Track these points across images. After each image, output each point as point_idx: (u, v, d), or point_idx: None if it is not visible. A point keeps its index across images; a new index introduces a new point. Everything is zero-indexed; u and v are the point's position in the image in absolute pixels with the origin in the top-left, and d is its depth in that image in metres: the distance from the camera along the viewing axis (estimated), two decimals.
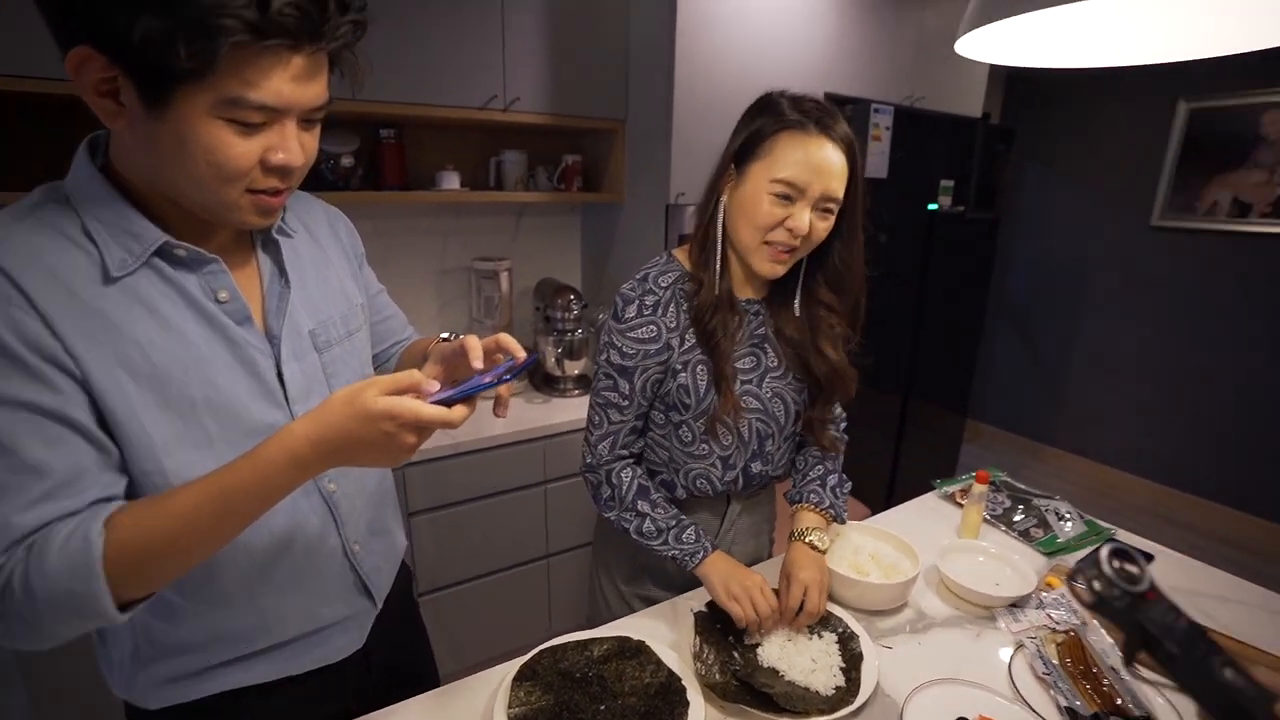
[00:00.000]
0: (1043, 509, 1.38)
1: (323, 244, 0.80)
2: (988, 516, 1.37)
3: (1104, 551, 0.48)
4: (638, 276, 1.05)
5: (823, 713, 0.83)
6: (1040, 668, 0.93)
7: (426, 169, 2.02)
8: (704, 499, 1.11)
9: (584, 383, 2.14)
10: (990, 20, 0.73)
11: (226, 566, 0.68)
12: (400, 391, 0.56)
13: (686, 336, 1.02)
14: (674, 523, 1.02)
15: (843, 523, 1.13)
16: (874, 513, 1.46)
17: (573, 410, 1.96)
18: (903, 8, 2.36)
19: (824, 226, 0.96)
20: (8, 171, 1.46)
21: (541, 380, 2.16)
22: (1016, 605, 1.08)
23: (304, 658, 0.77)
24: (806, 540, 1.03)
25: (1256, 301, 3.00)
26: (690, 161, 1.99)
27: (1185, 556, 1.26)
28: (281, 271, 0.72)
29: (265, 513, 0.58)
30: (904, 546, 1.13)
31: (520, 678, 0.86)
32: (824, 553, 1.03)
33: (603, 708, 0.82)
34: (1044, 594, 1.10)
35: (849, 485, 1.16)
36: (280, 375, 0.69)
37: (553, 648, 0.92)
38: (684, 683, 0.87)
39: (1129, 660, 0.45)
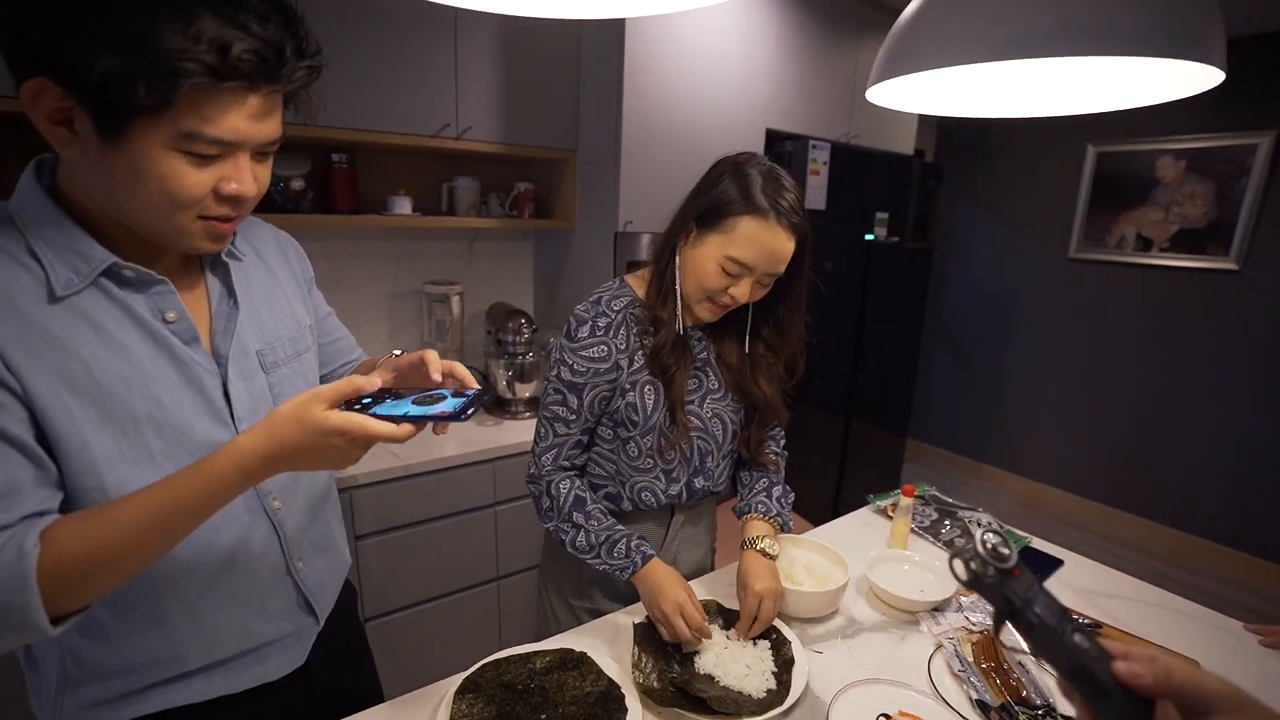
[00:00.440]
0: (967, 520, 1.47)
1: (272, 267, 0.82)
2: (916, 528, 1.45)
3: (978, 535, 0.54)
4: (591, 299, 1.10)
5: (754, 714, 0.88)
6: (956, 665, 1.00)
7: (379, 193, 2.04)
8: (649, 511, 1.15)
9: (535, 405, 2.16)
10: (894, 75, 0.82)
11: (163, 583, 0.68)
12: (343, 399, 0.58)
13: (635, 358, 1.08)
14: (605, 537, 1.06)
15: (788, 531, 1.19)
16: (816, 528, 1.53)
17: (523, 432, 1.98)
18: (839, 51, 2.53)
19: (761, 292, 1.05)
20: None
21: (493, 402, 2.18)
22: (938, 609, 1.15)
23: (242, 676, 0.77)
24: (759, 548, 1.08)
25: (1160, 328, 3.27)
26: (638, 191, 2.07)
27: (1091, 560, 1.36)
28: (230, 293, 0.74)
29: (204, 522, 0.59)
30: (835, 557, 1.20)
31: (463, 690, 0.88)
32: (774, 559, 1.09)
33: (543, 717, 0.85)
34: (963, 598, 1.18)
35: (792, 495, 1.23)
36: (227, 394, 0.70)
37: (495, 661, 0.94)
38: (623, 690, 0.90)
39: (996, 630, 0.51)
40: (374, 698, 1.01)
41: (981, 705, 0.92)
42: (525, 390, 2.14)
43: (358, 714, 0.86)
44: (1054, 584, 1.28)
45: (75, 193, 0.62)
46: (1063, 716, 0.89)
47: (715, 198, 1.01)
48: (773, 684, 0.94)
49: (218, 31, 0.52)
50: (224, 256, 0.74)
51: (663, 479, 1.12)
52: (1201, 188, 3.05)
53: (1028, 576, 0.50)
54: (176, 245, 0.65)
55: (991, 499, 3.72)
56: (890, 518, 1.49)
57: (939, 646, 1.05)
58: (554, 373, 1.09)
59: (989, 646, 1.03)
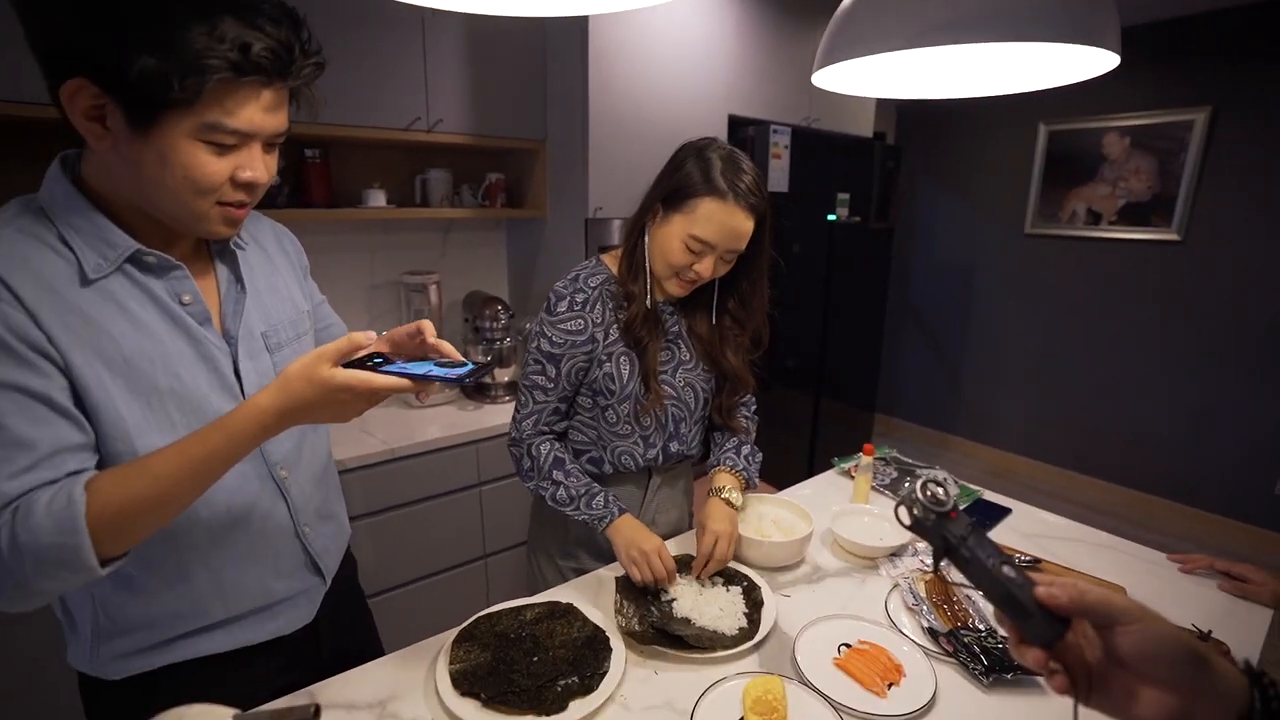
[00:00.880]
0: (925, 478, 1.58)
1: (271, 256, 0.89)
2: (877, 486, 1.55)
3: (918, 484, 0.62)
4: (569, 276, 1.18)
5: (727, 648, 0.97)
6: (910, 600, 1.10)
7: (353, 187, 2.07)
8: (629, 474, 1.24)
9: (514, 389, 2.22)
10: (832, 62, 0.90)
11: (186, 544, 0.75)
12: (345, 357, 0.66)
13: (610, 331, 1.15)
14: (584, 490, 1.14)
15: (754, 485, 1.28)
16: None
17: (503, 415, 2.04)
18: (796, 38, 2.61)
19: (725, 268, 1.13)
20: None
21: (473, 387, 2.24)
22: (896, 555, 1.25)
23: (258, 629, 0.84)
24: (722, 496, 1.17)
25: (1111, 298, 3.43)
26: (607, 178, 2.14)
27: (1037, 509, 1.48)
28: (237, 279, 0.80)
29: (222, 483, 0.67)
30: (801, 512, 1.29)
31: (459, 640, 0.95)
32: (737, 509, 1.18)
33: (535, 659, 0.93)
34: (919, 544, 1.28)
35: (760, 455, 1.32)
36: (237, 371, 0.77)
37: (489, 614, 1.02)
38: (607, 634, 0.98)
39: (936, 566, 0.60)
40: (375, 654, 1.08)
41: (931, 632, 1.02)
42: (504, 375, 2.20)
43: (364, 665, 0.93)
44: (1003, 529, 1.40)
45: (99, 184, 0.68)
46: (1001, 637, 0.99)
47: (679, 181, 1.08)
48: (744, 623, 1.03)
49: (238, 33, 0.59)
50: (231, 245, 0.80)
51: (640, 443, 1.20)
52: (1145, 163, 3.21)
53: (964, 519, 0.58)
54: (195, 230, 0.71)
55: (960, 469, 3.87)
56: (854, 478, 1.59)
57: (895, 586, 1.15)
58: (534, 344, 1.16)
59: (940, 584, 1.13)
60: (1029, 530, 1.40)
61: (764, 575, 1.16)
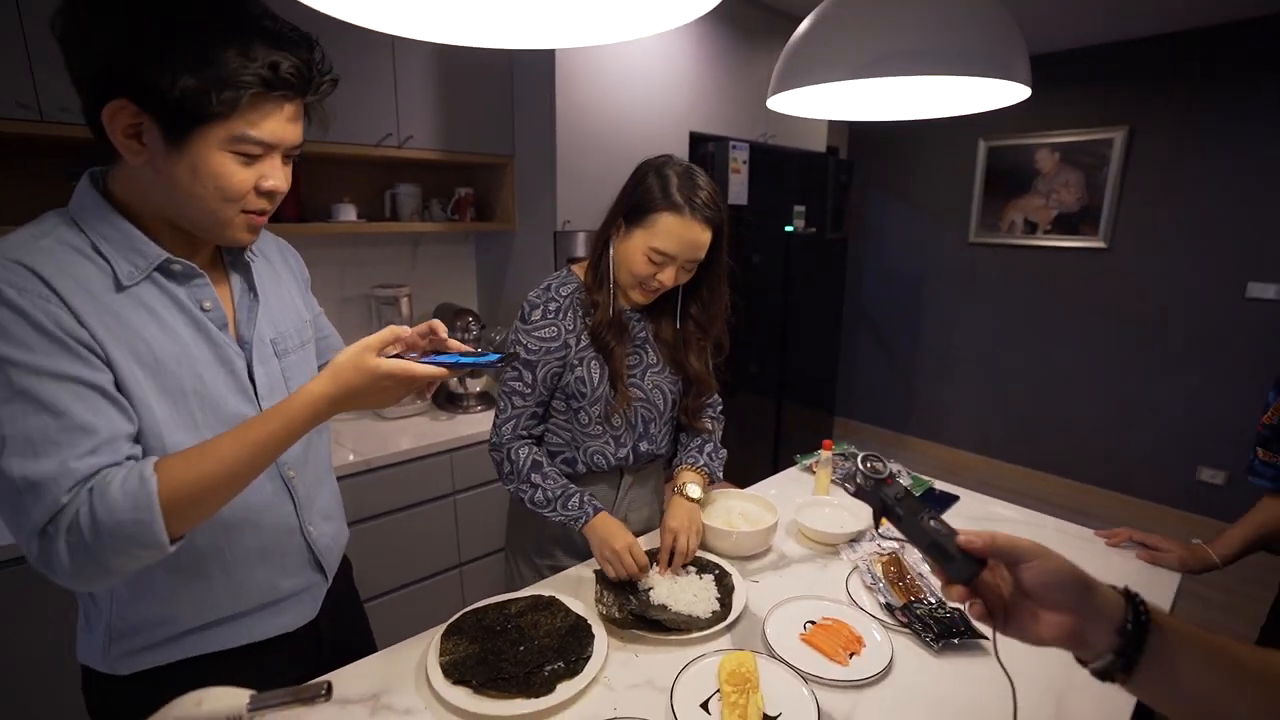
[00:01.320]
0: (864, 454, 1.69)
1: (276, 268, 0.94)
2: (836, 480, 1.65)
3: (859, 458, 0.73)
4: (542, 285, 1.24)
5: (702, 629, 1.04)
6: (868, 580, 1.19)
7: (323, 201, 2.10)
8: (601, 473, 1.30)
9: (486, 399, 2.27)
10: (785, 89, 0.99)
11: (205, 540, 0.79)
12: (385, 347, 0.73)
13: (581, 337, 1.22)
14: (560, 492, 1.20)
15: (718, 480, 1.36)
16: None
17: (476, 424, 2.08)
18: (753, 58, 2.75)
19: (686, 276, 1.21)
20: None
21: (445, 398, 2.27)
22: (855, 540, 1.34)
23: (265, 625, 0.88)
24: (683, 493, 1.25)
25: (1047, 301, 3.66)
26: (574, 192, 2.21)
27: (981, 494, 1.60)
28: (251, 288, 0.85)
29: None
30: (766, 504, 1.38)
31: (448, 634, 1.00)
32: (697, 501, 1.25)
33: (522, 648, 0.98)
34: (878, 530, 1.38)
35: (724, 452, 1.40)
36: (251, 375, 0.82)
37: (475, 609, 1.06)
38: (589, 622, 1.04)
39: (876, 525, 0.70)
40: (370, 652, 1.12)
41: (888, 607, 1.11)
42: (476, 385, 2.24)
43: (360, 660, 0.97)
44: (952, 515, 1.51)
45: (128, 197, 0.73)
46: (951, 607, 1.09)
47: (639, 197, 1.16)
48: (717, 607, 1.10)
49: (267, 53, 0.66)
50: (244, 257, 0.85)
51: (612, 443, 1.27)
52: (1074, 177, 3.45)
53: (898, 485, 0.69)
54: (221, 237, 0.76)
55: (914, 466, 3.98)
56: (815, 473, 1.69)
57: (855, 568, 1.24)
58: (511, 352, 1.22)
59: (895, 563, 1.23)
60: (975, 514, 1.51)
61: (734, 564, 1.23)
